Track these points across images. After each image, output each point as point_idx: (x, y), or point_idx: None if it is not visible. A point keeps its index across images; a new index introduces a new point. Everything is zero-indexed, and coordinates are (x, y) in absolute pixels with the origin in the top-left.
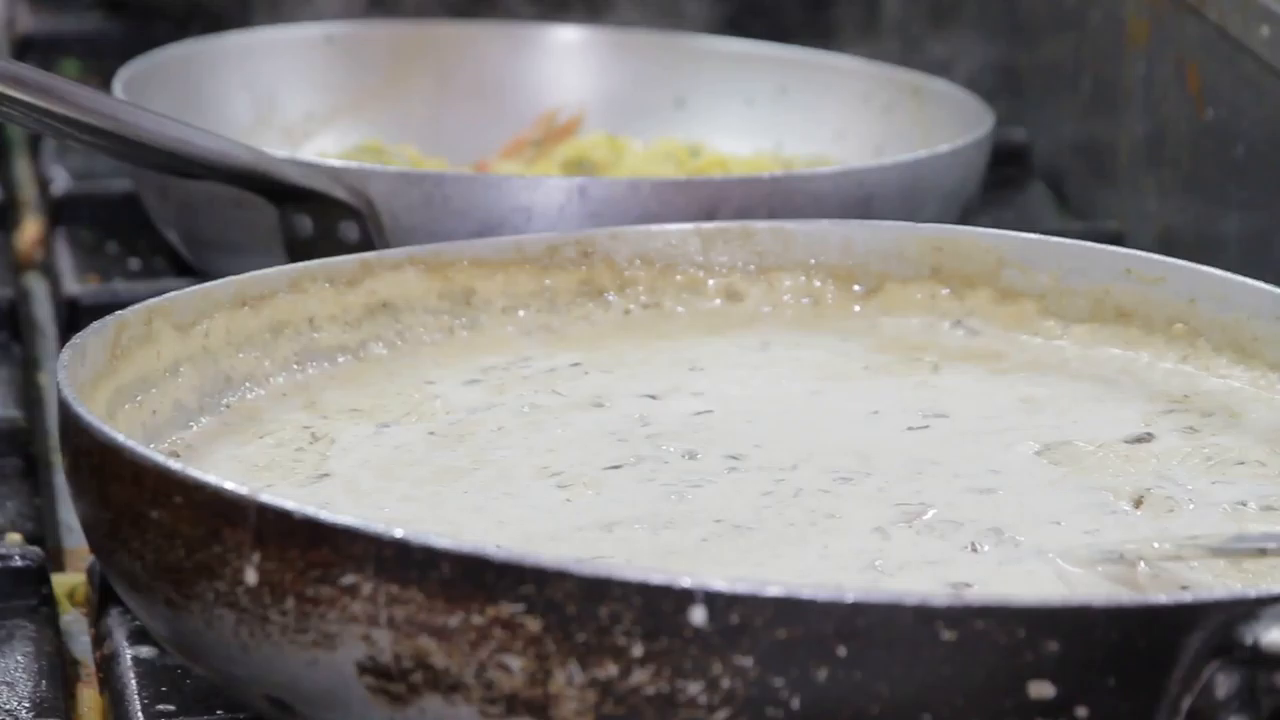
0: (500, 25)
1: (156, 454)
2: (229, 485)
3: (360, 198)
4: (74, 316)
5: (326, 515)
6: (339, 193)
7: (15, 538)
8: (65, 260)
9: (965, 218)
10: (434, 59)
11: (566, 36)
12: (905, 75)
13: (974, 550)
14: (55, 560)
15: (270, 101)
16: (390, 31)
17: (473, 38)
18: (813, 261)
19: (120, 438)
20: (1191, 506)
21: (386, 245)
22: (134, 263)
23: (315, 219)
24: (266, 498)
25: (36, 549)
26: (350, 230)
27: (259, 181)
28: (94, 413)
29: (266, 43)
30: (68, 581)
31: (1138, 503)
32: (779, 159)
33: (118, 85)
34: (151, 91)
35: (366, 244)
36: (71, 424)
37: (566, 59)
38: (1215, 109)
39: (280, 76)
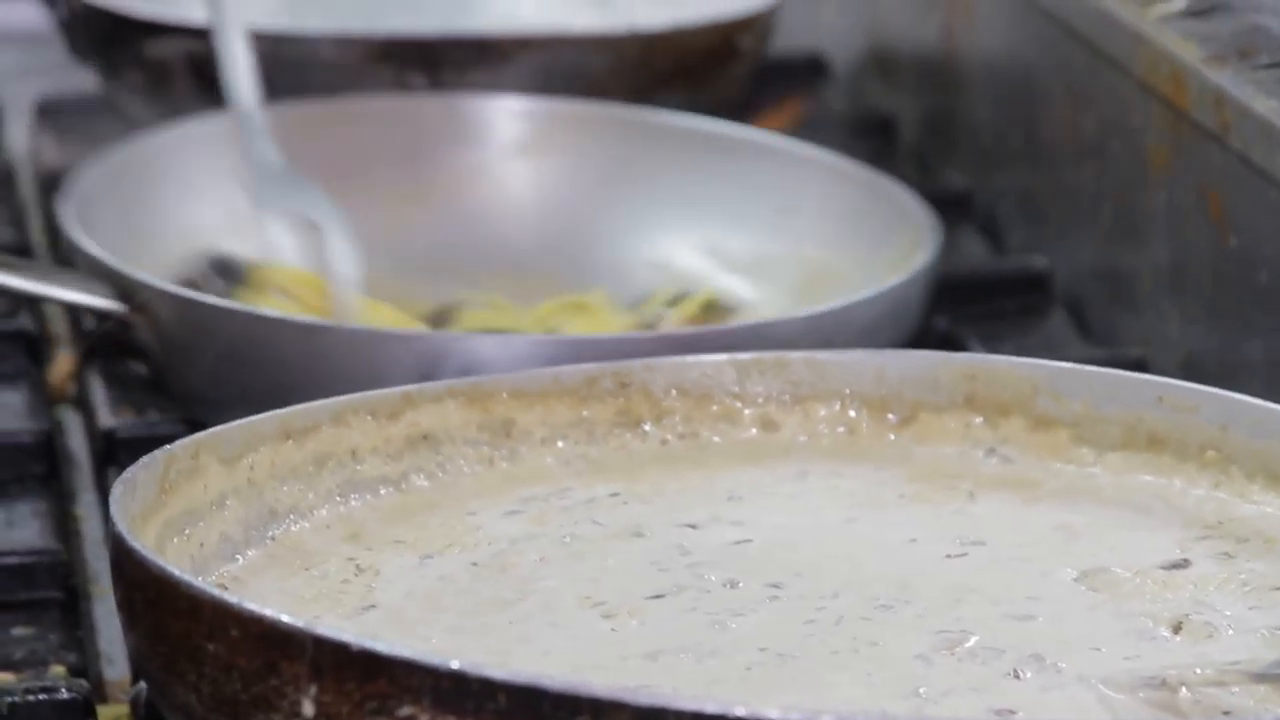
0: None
1: (213, 587)
2: (285, 618)
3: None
4: (110, 449)
5: (384, 647)
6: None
7: (58, 670)
8: (99, 393)
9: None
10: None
11: None
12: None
13: (1016, 677)
14: (97, 691)
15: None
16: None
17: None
18: (847, 391)
19: (176, 571)
20: (1230, 632)
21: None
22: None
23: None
24: (323, 630)
25: (82, 681)
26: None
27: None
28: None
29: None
30: (110, 713)
31: (1176, 629)
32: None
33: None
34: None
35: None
36: (125, 558)
37: None
38: (1238, 236)
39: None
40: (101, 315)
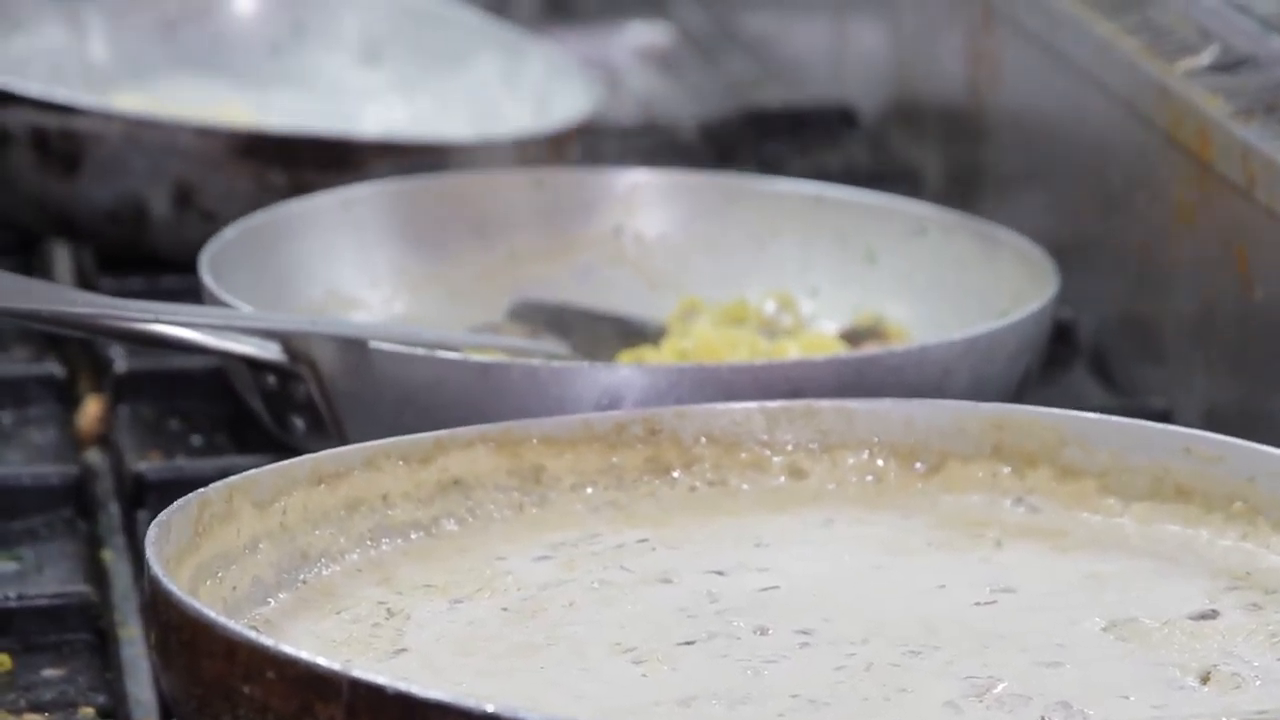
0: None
1: (249, 629)
2: (321, 661)
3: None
4: (139, 493)
5: (418, 690)
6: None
7: (87, 712)
8: (127, 437)
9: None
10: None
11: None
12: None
13: None
14: None
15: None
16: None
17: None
18: (875, 440)
19: (212, 614)
20: (1258, 683)
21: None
22: (196, 439)
23: (279, 379)
24: (359, 673)
25: None
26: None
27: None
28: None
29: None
30: None
31: (1204, 679)
32: None
33: (203, 264)
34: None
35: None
36: (162, 600)
37: None
38: (1264, 288)
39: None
40: (264, 367)
